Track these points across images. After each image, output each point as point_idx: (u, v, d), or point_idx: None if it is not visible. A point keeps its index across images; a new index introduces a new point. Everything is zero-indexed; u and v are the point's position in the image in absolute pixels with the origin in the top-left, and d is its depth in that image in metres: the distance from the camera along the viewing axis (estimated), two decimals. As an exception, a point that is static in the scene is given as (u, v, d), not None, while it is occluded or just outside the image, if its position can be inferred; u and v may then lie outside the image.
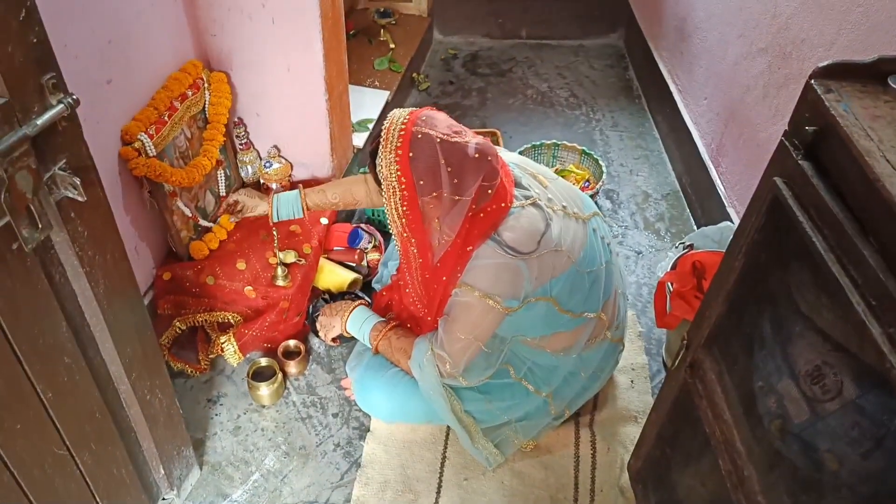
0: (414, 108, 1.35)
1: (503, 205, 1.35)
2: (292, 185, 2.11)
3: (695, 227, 2.39)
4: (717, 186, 2.25)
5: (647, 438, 1.39)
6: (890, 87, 0.85)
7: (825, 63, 0.87)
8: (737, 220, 2.06)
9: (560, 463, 1.65)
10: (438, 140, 1.28)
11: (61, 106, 0.88)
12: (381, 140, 1.31)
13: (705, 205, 2.35)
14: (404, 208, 1.33)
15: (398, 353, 1.58)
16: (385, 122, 1.33)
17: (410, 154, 1.28)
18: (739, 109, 2.14)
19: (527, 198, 1.40)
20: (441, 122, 1.32)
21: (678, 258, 1.76)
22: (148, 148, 1.65)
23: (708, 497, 1.17)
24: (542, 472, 1.63)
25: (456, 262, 1.39)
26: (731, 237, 1.07)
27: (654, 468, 1.39)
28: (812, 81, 0.87)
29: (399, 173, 1.30)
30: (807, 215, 0.83)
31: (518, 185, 1.43)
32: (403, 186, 1.31)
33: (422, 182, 1.29)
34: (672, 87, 2.79)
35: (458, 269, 1.39)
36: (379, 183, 1.35)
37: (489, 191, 1.32)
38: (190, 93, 1.82)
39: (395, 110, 1.35)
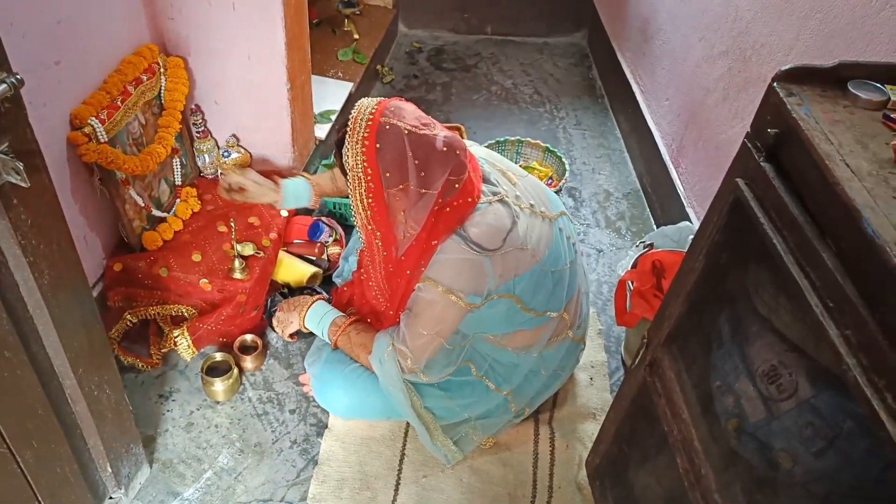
0: (382, 98, 1.33)
1: (469, 200, 1.34)
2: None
3: (654, 227, 2.42)
4: (677, 187, 2.28)
5: (606, 436, 1.40)
6: (849, 92, 0.87)
7: (788, 66, 0.88)
8: (696, 221, 2.09)
9: (519, 460, 1.65)
10: (406, 132, 1.27)
11: (4, 86, 0.83)
12: (348, 129, 1.29)
13: (665, 204, 2.38)
14: (369, 200, 1.32)
15: (358, 348, 1.56)
16: (353, 110, 1.31)
17: (377, 145, 1.26)
18: (700, 111, 2.17)
19: (494, 194, 1.39)
20: (410, 114, 1.31)
21: (638, 257, 1.78)
22: (99, 133, 1.59)
23: (664, 495, 1.18)
24: (500, 470, 1.63)
25: (420, 256, 1.37)
26: (693, 237, 1.08)
27: (611, 465, 1.40)
28: (775, 84, 0.88)
29: (365, 164, 1.28)
30: (767, 217, 0.84)
31: (486, 180, 1.42)
32: (369, 178, 1.29)
33: (388, 174, 1.28)
34: (634, 88, 2.81)
35: (422, 263, 1.38)
36: (345, 173, 1.33)
37: (456, 185, 1.31)
38: (145, 77, 1.76)
39: (362, 99, 1.33)
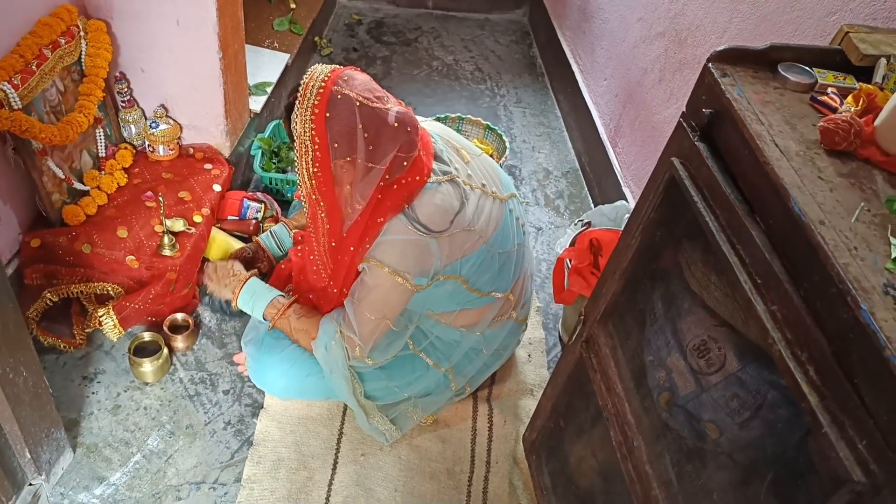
0: (336, 66, 1.29)
1: (418, 178, 1.32)
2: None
3: (592, 205, 2.46)
4: (614, 166, 2.32)
5: (543, 411, 1.42)
6: (780, 74, 0.89)
7: (722, 48, 0.90)
8: (631, 200, 2.13)
9: (457, 436, 1.66)
10: (358, 103, 1.24)
11: None
12: (299, 95, 1.25)
13: (602, 183, 2.42)
14: (315, 169, 1.28)
15: (298, 333, 1.52)
16: (304, 76, 1.27)
17: (327, 114, 1.23)
18: (637, 92, 2.20)
19: (445, 173, 1.38)
20: (363, 85, 1.27)
21: (576, 235, 1.80)
22: (12, 99, 1.48)
23: (598, 467, 1.21)
24: (439, 446, 1.64)
25: (365, 232, 1.35)
26: (629, 216, 1.09)
27: (548, 440, 1.42)
28: (709, 65, 0.89)
29: (313, 132, 1.24)
30: (700, 195, 0.86)
31: (438, 158, 1.40)
32: (317, 147, 1.25)
33: (336, 144, 1.25)
34: (574, 67, 2.83)
35: (367, 240, 1.36)
36: (292, 139, 1.30)
37: (405, 163, 1.29)
38: (63, 41, 1.64)
39: (316, 65, 1.29)
